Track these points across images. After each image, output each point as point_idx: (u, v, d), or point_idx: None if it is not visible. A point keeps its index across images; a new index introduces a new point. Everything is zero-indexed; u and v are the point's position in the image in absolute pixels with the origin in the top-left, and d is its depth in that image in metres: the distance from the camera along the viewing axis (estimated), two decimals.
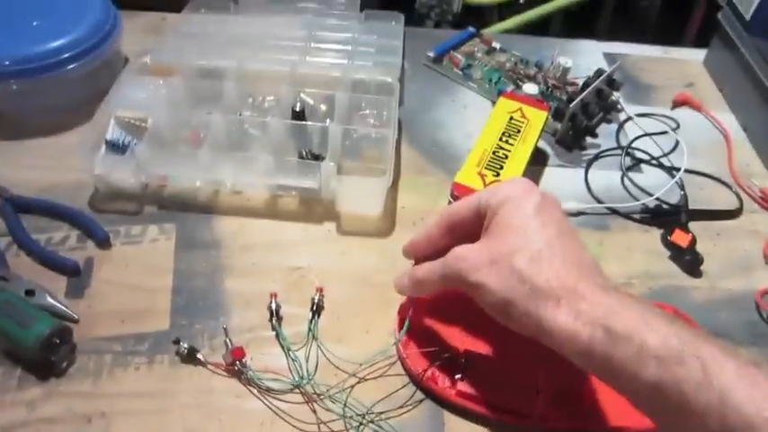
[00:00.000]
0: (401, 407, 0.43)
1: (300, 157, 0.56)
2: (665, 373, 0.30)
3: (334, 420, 0.42)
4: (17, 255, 0.49)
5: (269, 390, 0.43)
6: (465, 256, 0.38)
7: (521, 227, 0.37)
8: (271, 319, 0.46)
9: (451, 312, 0.47)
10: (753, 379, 0.29)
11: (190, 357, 0.44)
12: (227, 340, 0.44)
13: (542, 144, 0.64)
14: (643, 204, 0.59)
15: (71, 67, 0.58)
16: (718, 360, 0.30)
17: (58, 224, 0.52)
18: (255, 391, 0.43)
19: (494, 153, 0.55)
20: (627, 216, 0.59)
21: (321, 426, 0.41)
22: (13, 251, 0.50)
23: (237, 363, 0.43)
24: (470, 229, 0.41)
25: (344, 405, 0.42)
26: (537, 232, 0.37)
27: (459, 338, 0.46)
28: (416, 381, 0.44)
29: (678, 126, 0.69)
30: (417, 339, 0.45)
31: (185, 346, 0.44)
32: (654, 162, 0.65)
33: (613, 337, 0.32)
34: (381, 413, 0.42)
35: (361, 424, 0.41)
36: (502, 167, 0.54)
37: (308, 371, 0.44)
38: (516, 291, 0.35)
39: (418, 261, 0.45)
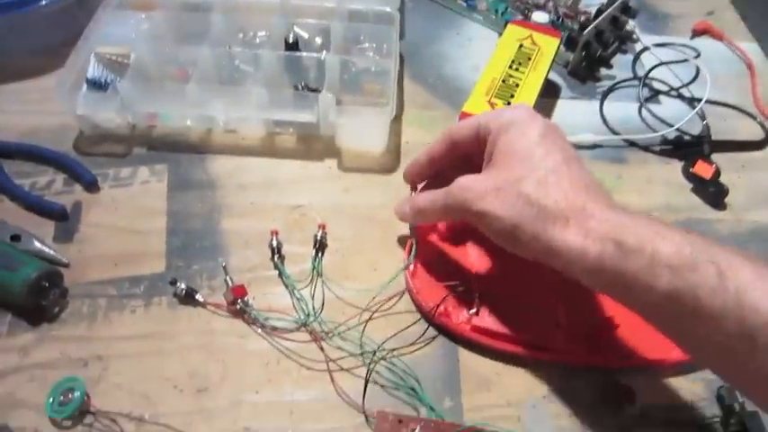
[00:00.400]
0: (413, 343, 0.42)
1: (296, 90, 0.54)
2: (679, 281, 0.30)
3: (342, 358, 0.41)
4: (0, 200, 0.48)
5: (274, 329, 0.42)
6: (469, 186, 0.38)
7: (525, 153, 0.37)
8: (273, 258, 0.45)
9: (464, 245, 0.46)
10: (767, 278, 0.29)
11: (188, 298, 0.43)
12: (228, 278, 0.44)
13: (554, 76, 0.63)
14: (662, 136, 0.58)
15: (44, 2, 0.55)
16: (734, 264, 0.30)
17: (43, 168, 0.51)
18: (259, 330, 0.42)
19: (503, 81, 0.54)
20: (646, 148, 0.58)
21: (330, 364, 0.41)
22: None
23: (239, 301, 0.42)
24: (470, 149, 0.41)
25: (360, 339, 0.42)
26: (542, 158, 0.37)
27: (472, 271, 0.45)
28: (428, 317, 0.43)
29: (699, 55, 0.67)
30: (428, 273, 0.44)
31: (183, 286, 0.43)
32: (673, 93, 0.63)
33: (624, 250, 0.32)
34: (393, 350, 0.42)
35: (372, 361, 0.41)
36: (512, 96, 0.52)
37: (314, 308, 0.43)
38: (524, 214, 0.35)
39: (415, 183, 0.46)
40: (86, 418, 0.38)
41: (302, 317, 0.43)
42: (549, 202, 0.35)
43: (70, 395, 0.38)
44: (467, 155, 0.41)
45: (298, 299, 0.44)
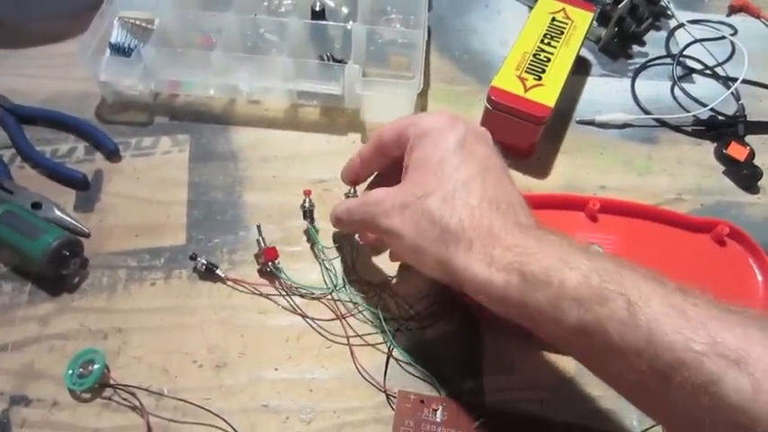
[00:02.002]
0: (436, 323, 0.40)
1: (321, 60, 0.51)
2: (587, 315, 0.27)
3: (364, 335, 0.39)
4: (21, 167, 0.46)
5: (303, 296, 0.40)
6: (378, 200, 0.34)
7: (438, 165, 0.33)
8: (305, 218, 0.43)
9: None
10: (680, 309, 0.25)
11: (208, 273, 0.41)
12: (260, 239, 0.41)
13: (584, 53, 0.58)
14: (695, 116, 0.54)
15: None
16: (644, 293, 0.26)
17: (65, 135, 0.48)
18: (283, 304, 0.40)
19: (534, 56, 0.49)
20: (677, 128, 0.54)
21: (351, 341, 0.39)
22: (17, 163, 0.46)
23: (270, 264, 0.40)
24: (397, 154, 0.37)
25: (382, 317, 0.39)
26: (455, 170, 0.32)
27: None
28: (452, 297, 0.40)
29: (735, 32, 0.62)
30: None
31: (203, 261, 0.40)
32: (707, 71, 0.59)
33: (529, 282, 0.28)
34: (416, 328, 0.39)
35: (393, 338, 0.38)
36: (544, 71, 0.48)
37: (344, 278, 0.41)
38: (426, 235, 0.31)
39: (353, 185, 0.41)
40: (105, 391, 0.36)
41: (329, 285, 0.40)
42: (452, 221, 0.31)
43: (90, 367, 0.36)
44: (396, 159, 0.37)
45: (327, 269, 0.41)
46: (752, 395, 0.23)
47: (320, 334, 0.39)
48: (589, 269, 0.27)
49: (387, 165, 0.38)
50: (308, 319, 0.39)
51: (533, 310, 0.28)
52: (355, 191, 0.42)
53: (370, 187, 0.40)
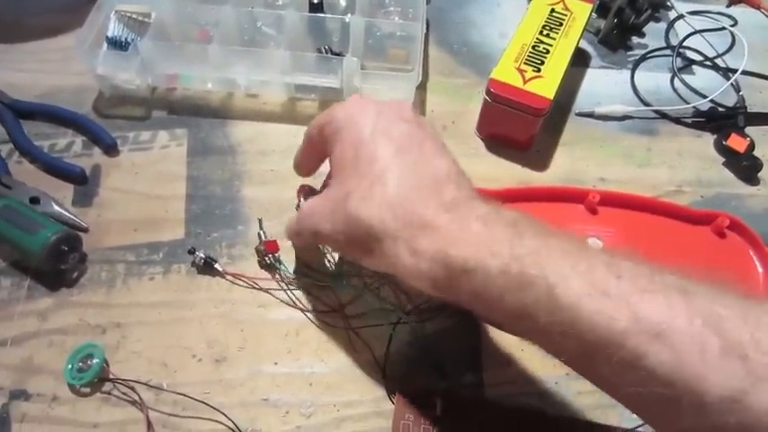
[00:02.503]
0: (436, 316, 0.39)
1: (320, 54, 0.50)
2: (513, 301, 0.26)
3: (363, 327, 0.39)
4: (19, 162, 0.45)
5: (302, 288, 0.40)
6: (310, 211, 0.34)
7: (354, 160, 0.31)
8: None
9: None
10: (603, 287, 0.25)
11: (207, 268, 0.40)
12: (261, 232, 0.41)
13: (584, 44, 0.58)
14: (695, 107, 0.53)
15: None
16: (564, 274, 0.25)
17: (62, 130, 0.47)
18: (281, 299, 0.40)
19: (533, 47, 0.49)
20: (677, 120, 0.53)
21: (351, 334, 0.38)
22: (15, 158, 0.45)
23: (271, 256, 0.40)
24: (327, 151, 0.35)
25: (382, 309, 0.38)
26: (371, 162, 0.31)
27: None
28: None
29: (735, 23, 0.61)
30: None
31: (201, 255, 0.40)
32: (707, 63, 0.58)
33: (455, 272, 0.28)
34: (415, 321, 0.39)
35: (393, 331, 0.38)
36: (543, 63, 0.48)
37: (343, 270, 0.41)
38: (357, 238, 0.31)
39: (300, 192, 0.40)
40: (105, 385, 0.36)
41: (330, 275, 0.40)
42: (374, 221, 0.30)
43: (89, 362, 0.36)
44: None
45: (328, 261, 0.41)
46: (674, 368, 0.23)
47: (320, 328, 0.39)
48: (510, 256, 0.27)
49: (318, 164, 0.38)
50: (307, 313, 0.39)
51: (464, 297, 0.28)
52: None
53: (320, 191, 0.39)
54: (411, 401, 0.35)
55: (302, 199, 0.40)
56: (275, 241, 0.40)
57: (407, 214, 0.29)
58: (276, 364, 0.37)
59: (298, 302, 0.39)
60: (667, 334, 0.23)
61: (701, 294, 0.24)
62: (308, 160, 0.39)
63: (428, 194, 0.30)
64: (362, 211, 0.30)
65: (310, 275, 0.40)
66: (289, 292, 0.40)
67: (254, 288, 0.40)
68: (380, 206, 0.30)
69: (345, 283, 0.40)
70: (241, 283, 0.40)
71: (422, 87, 0.52)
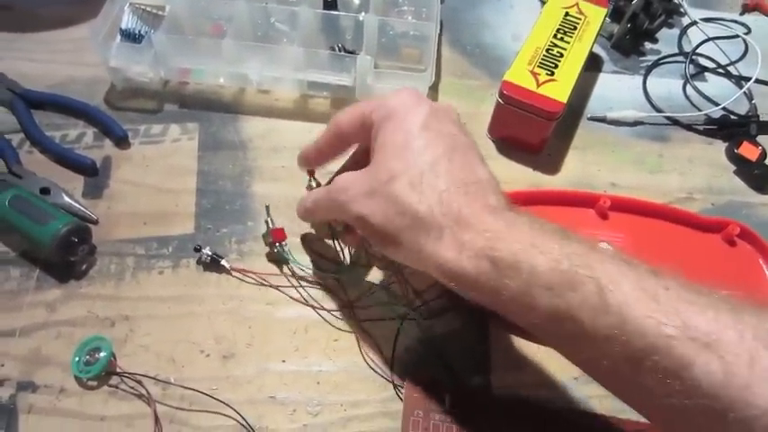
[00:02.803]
0: (443, 317, 0.39)
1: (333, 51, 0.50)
2: (558, 301, 0.26)
3: (373, 324, 0.39)
4: (30, 152, 0.45)
5: (310, 283, 0.40)
6: (346, 187, 0.33)
7: (404, 147, 0.31)
8: None
9: None
10: (652, 293, 0.25)
11: (213, 265, 0.40)
12: (269, 220, 0.41)
13: (597, 49, 0.57)
14: (707, 115, 0.53)
15: None
16: (615, 278, 0.25)
17: (74, 121, 0.47)
18: (289, 296, 0.39)
19: (547, 51, 0.49)
20: (689, 127, 0.53)
21: (358, 333, 0.38)
22: (26, 148, 0.45)
23: (278, 245, 0.40)
24: (359, 140, 0.36)
25: (390, 307, 0.38)
26: (421, 152, 0.31)
27: None
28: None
29: (749, 31, 0.61)
30: None
31: (208, 253, 0.40)
32: (720, 70, 0.58)
33: (500, 268, 0.27)
34: (423, 320, 0.39)
35: (406, 317, 0.38)
36: (556, 66, 0.48)
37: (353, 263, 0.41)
38: (396, 223, 0.30)
39: (311, 173, 0.40)
40: (112, 378, 0.36)
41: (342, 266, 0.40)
42: (421, 208, 0.29)
43: (96, 355, 0.35)
44: (360, 145, 0.36)
45: (341, 249, 0.41)
46: (723, 379, 0.22)
47: (328, 326, 0.39)
48: (560, 253, 0.27)
49: (338, 154, 0.37)
50: (317, 310, 0.39)
51: (505, 297, 0.28)
52: (317, 182, 0.40)
53: (339, 173, 0.38)
54: (420, 398, 0.35)
55: (313, 180, 0.40)
56: (282, 229, 0.40)
57: (455, 208, 0.29)
58: (284, 361, 0.37)
59: (306, 300, 0.39)
60: (717, 345, 0.23)
61: (748, 311, 0.24)
62: (325, 151, 0.37)
63: (474, 196, 0.30)
64: (412, 197, 0.30)
65: (320, 266, 0.40)
66: (297, 288, 0.40)
67: (263, 285, 0.40)
68: (431, 196, 0.30)
69: (355, 276, 0.40)
70: (249, 279, 0.40)
71: (434, 88, 0.52)
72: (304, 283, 0.40)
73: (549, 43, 0.49)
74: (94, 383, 0.35)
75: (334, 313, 0.39)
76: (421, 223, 0.29)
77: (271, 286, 0.40)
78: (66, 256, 0.38)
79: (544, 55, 0.48)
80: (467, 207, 0.29)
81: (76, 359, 0.35)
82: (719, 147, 0.52)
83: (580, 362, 0.28)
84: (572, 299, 0.26)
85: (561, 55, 0.49)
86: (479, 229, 0.29)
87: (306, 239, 0.42)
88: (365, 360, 0.37)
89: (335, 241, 0.41)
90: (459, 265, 0.29)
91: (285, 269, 0.41)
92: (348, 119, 0.35)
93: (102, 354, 0.35)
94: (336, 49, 0.50)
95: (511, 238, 0.28)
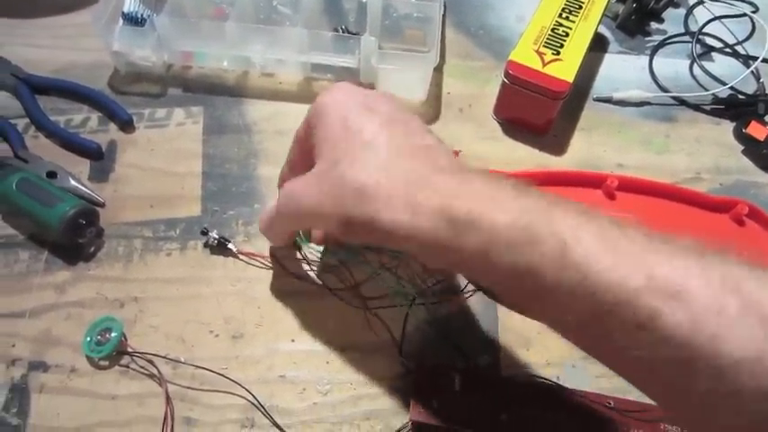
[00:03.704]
0: (452, 297, 0.40)
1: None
2: (519, 258, 0.25)
3: (380, 308, 0.39)
4: (35, 136, 0.45)
5: (319, 266, 0.40)
6: (293, 189, 0.32)
7: (342, 131, 0.30)
8: None
9: None
10: (614, 243, 0.24)
11: (220, 248, 0.40)
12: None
13: (602, 29, 0.57)
14: (714, 95, 0.53)
15: None
16: (576, 232, 0.24)
17: (78, 106, 0.47)
18: (296, 278, 0.40)
19: (552, 30, 0.49)
20: (696, 107, 0.53)
21: (368, 312, 0.39)
22: (31, 132, 0.46)
23: None
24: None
25: (400, 287, 0.39)
26: (359, 131, 0.30)
27: None
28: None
29: (756, 10, 0.61)
30: None
31: (215, 236, 0.40)
32: (727, 50, 0.58)
33: (458, 227, 0.26)
34: (432, 302, 0.39)
35: (410, 308, 0.38)
36: (562, 46, 0.48)
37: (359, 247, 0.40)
38: (346, 202, 0.29)
39: None
40: (123, 358, 0.36)
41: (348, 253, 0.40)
42: (368, 181, 0.28)
43: (107, 335, 0.36)
44: None
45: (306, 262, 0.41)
46: (690, 328, 0.22)
47: (337, 306, 0.39)
48: (519, 209, 0.26)
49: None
50: (321, 295, 0.39)
51: (465, 256, 0.27)
52: None
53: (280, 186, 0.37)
54: (430, 376, 0.35)
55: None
56: None
57: (403, 176, 0.28)
58: (293, 341, 0.38)
59: (314, 280, 0.40)
60: (683, 294, 0.22)
61: (717, 257, 0.23)
62: (297, 165, 0.36)
63: (421, 160, 0.29)
64: (353, 175, 0.29)
65: (329, 251, 0.40)
66: (305, 269, 0.40)
67: (271, 267, 0.40)
68: (373, 168, 0.29)
69: (361, 260, 0.40)
70: (256, 262, 0.40)
71: (438, 69, 0.52)
72: (314, 266, 0.40)
73: (554, 22, 0.49)
74: (105, 363, 0.36)
75: (342, 294, 0.39)
76: (368, 196, 0.28)
77: (279, 269, 0.40)
78: (75, 238, 0.39)
79: (549, 34, 0.49)
80: (415, 171, 0.28)
81: (88, 339, 0.36)
82: (727, 126, 0.52)
83: (546, 320, 0.28)
84: (533, 255, 0.25)
85: (567, 34, 0.49)
86: (432, 189, 0.28)
87: None
88: (374, 340, 0.38)
89: (302, 253, 0.41)
90: (413, 226, 0.27)
91: (293, 251, 0.41)
92: (301, 128, 0.35)
93: (113, 334, 0.36)
94: (340, 31, 0.50)
95: (466, 195, 0.27)
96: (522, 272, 0.25)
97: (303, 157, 0.34)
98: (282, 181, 0.38)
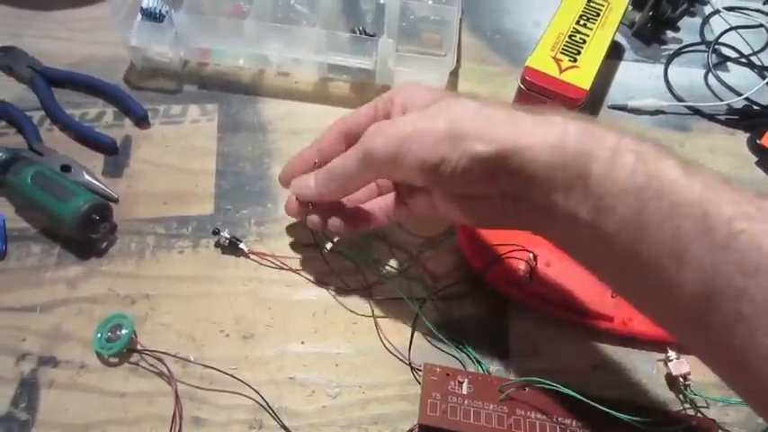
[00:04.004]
0: (461, 301, 0.39)
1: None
2: (643, 169, 0.25)
3: (391, 309, 0.39)
4: (50, 129, 0.45)
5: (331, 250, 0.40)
6: (384, 123, 0.31)
7: (431, 94, 0.33)
8: None
9: None
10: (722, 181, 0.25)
11: (232, 248, 0.40)
12: None
13: (618, 37, 0.57)
14: (728, 105, 0.52)
15: None
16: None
17: (93, 99, 0.47)
18: (307, 279, 0.40)
19: (570, 37, 0.48)
20: (711, 117, 0.53)
21: (377, 317, 0.38)
22: (46, 125, 0.45)
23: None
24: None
25: (409, 291, 0.38)
26: (450, 94, 0.32)
27: (525, 235, 0.41)
28: (479, 277, 0.39)
29: None
30: (482, 232, 0.41)
31: (226, 236, 0.40)
32: (743, 60, 0.57)
33: (588, 135, 0.27)
34: (442, 301, 0.39)
35: (425, 301, 0.38)
36: (579, 53, 0.47)
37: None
38: (475, 122, 0.28)
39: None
40: (133, 356, 0.36)
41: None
42: (497, 105, 0.29)
43: (118, 332, 0.36)
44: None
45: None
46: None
47: (347, 309, 0.39)
48: (628, 142, 0.26)
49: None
50: (334, 293, 0.39)
51: (586, 162, 0.26)
52: None
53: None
54: (438, 380, 0.35)
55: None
56: None
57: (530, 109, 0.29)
58: (303, 343, 0.37)
59: (326, 281, 0.39)
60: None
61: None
62: (335, 141, 0.37)
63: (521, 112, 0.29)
64: (460, 105, 0.29)
65: (340, 249, 0.40)
66: (317, 270, 0.40)
67: (283, 268, 0.40)
68: (497, 105, 0.29)
69: (373, 261, 0.40)
70: (268, 263, 0.40)
71: (454, 73, 0.51)
72: (327, 266, 0.40)
73: (571, 29, 0.49)
74: (115, 360, 0.36)
75: (353, 296, 0.39)
76: (501, 114, 0.28)
77: (291, 269, 0.40)
78: (88, 233, 0.38)
79: (567, 41, 0.48)
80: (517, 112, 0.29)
81: (98, 335, 0.35)
82: (741, 137, 0.52)
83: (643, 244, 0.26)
84: (659, 168, 0.25)
85: (584, 41, 0.48)
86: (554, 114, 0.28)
87: None
88: (384, 344, 0.37)
89: (320, 251, 0.40)
90: (544, 139, 0.27)
91: (304, 252, 0.40)
92: (359, 114, 0.36)
93: (123, 331, 0.35)
94: (357, 32, 0.50)
95: (598, 125, 0.27)
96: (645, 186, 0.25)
97: (347, 137, 0.36)
98: (288, 175, 0.38)
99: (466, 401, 0.34)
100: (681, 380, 0.37)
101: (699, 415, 0.36)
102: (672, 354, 0.38)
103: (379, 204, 0.37)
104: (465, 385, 0.35)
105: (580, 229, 0.27)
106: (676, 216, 0.24)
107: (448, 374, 0.35)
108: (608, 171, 0.26)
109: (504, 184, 0.29)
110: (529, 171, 0.27)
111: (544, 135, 0.27)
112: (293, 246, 0.41)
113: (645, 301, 0.28)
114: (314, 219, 0.37)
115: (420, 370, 0.36)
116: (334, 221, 0.36)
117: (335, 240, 0.41)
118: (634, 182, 0.25)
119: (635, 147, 0.26)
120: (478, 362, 0.37)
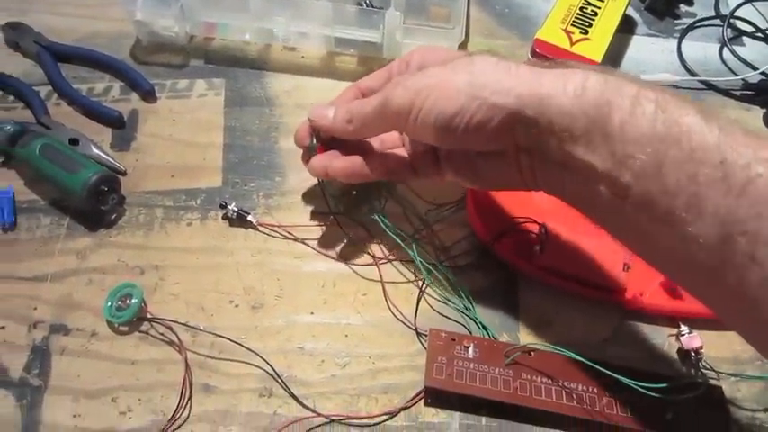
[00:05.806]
0: (473, 266, 0.40)
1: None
2: (663, 116, 0.26)
3: (399, 282, 0.39)
4: (57, 104, 0.46)
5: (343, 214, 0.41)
6: (405, 76, 0.33)
7: (448, 53, 0.35)
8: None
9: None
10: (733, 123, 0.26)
11: (240, 221, 0.41)
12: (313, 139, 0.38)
13: (630, 11, 0.57)
14: (744, 80, 0.52)
15: None
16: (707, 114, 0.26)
17: (100, 75, 0.48)
18: (316, 250, 0.40)
19: (581, 9, 0.49)
20: (725, 92, 0.53)
21: (386, 287, 0.39)
22: (54, 100, 0.46)
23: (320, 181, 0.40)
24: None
25: (417, 260, 0.39)
26: (468, 52, 0.33)
27: (535, 208, 0.42)
28: (489, 249, 0.40)
29: None
30: (492, 205, 0.41)
31: (234, 209, 0.41)
32: (758, 34, 0.57)
33: (609, 82, 0.27)
34: (450, 269, 0.40)
35: (431, 270, 0.39)
36: (590, 25, 0.47)
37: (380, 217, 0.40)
38: (499, 75, 0.29)
39: (325, 143, 0.38)
40: (143, 325, 0.37)
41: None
42: (518, 64, 0.30)
43: (128, 301, 0.36)
44: None
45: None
46: None
47: (356, 280, 0.39)
48: (647, 91, 0.27)
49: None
50: (340, 268, 0.40)
51: (606, 111, 0.27)
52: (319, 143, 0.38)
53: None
54: (443, 345, 0.36)
55: (314, 139, 0.38)
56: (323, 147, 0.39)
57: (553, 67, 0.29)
58: (312, 313, 0.38)
59: (330, 260, 0.40)
60: None
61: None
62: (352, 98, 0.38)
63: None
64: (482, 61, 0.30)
65: (350, 214, 0.41)
66: (326, 240, 0.40)
67: (289, 238, 0.41)
68: (497, 66, 0.30)
69: (383, 225, 0.40)
70: (276, 234, 0.41)
71: (462, 47, 0.52)
72: (335, 236, 0.41)
73: (582, 2, 0.49)
74: (125, 329, 0.37)
75: (362, 266, 0.40)
76: (525, 68, 0.29)
77: (298, 240, 0.41)
78: (97, 204, 0.39)
79: (578, 14, 0.48)
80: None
81: (109, 304, 0.36)
82: (757, 113, 0.52)
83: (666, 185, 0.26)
84: (678, 114, 0.26)
85: (595, 14, 0.48)
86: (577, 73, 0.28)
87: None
88: (393, 312, 0.38)
89: (336, 219, 0.41)
90: (563, 87, 0.27)
91: (313, 220, 0.41)
92: (374, 77, 0.38)
93: (133, 300, 0.36)
94: (364, 4, 0.50)
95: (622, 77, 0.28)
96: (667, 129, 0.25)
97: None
98: (303, 131, 0.38)
99: (472, 365, 0.35)
100: (693, 354, 0.37)
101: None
102: (684, 328, 0.38)
103: (381, 159, 0.37)
104: (471, 350, 0.36)
105: (597, 183, 0.27)
106: (695, 162, 0.24)
107: (453, 339, 0.36)
108: (628, 119, 0.26)
109: (521, 137, 0.29)
110: (547, 121, 0.28)
111: (564, 85, 0.28)
112: (302, 216, 0.42)
113: (659, 253, 0.28)
114: (315, 163, 0.37)
115: (426, 335, 0.37)
116: (335, 167, 0.37)
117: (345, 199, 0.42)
118: (654, 129, 0.25)
119: (655, 95, 0.26)
120: (485, 327, 0.38)
